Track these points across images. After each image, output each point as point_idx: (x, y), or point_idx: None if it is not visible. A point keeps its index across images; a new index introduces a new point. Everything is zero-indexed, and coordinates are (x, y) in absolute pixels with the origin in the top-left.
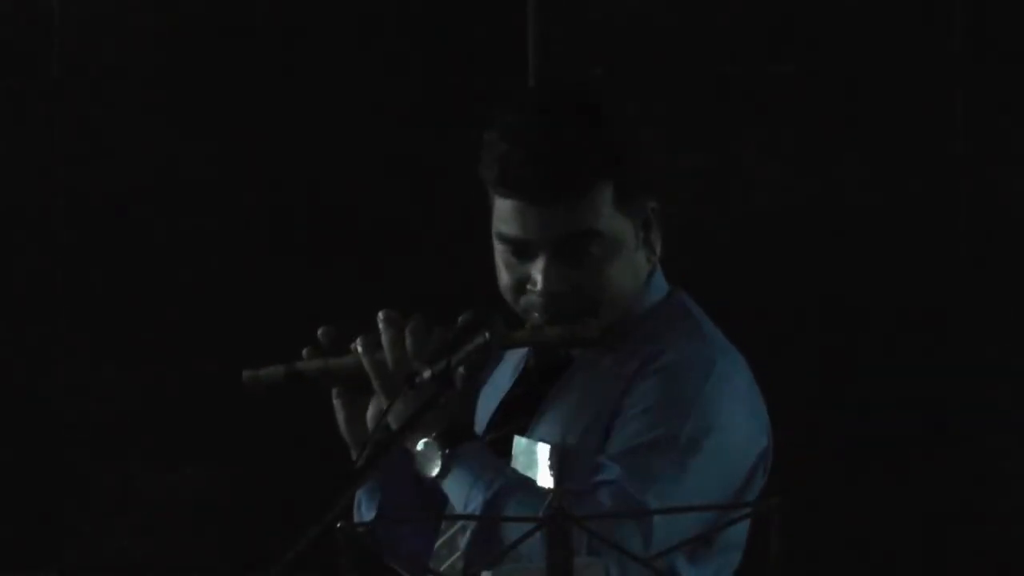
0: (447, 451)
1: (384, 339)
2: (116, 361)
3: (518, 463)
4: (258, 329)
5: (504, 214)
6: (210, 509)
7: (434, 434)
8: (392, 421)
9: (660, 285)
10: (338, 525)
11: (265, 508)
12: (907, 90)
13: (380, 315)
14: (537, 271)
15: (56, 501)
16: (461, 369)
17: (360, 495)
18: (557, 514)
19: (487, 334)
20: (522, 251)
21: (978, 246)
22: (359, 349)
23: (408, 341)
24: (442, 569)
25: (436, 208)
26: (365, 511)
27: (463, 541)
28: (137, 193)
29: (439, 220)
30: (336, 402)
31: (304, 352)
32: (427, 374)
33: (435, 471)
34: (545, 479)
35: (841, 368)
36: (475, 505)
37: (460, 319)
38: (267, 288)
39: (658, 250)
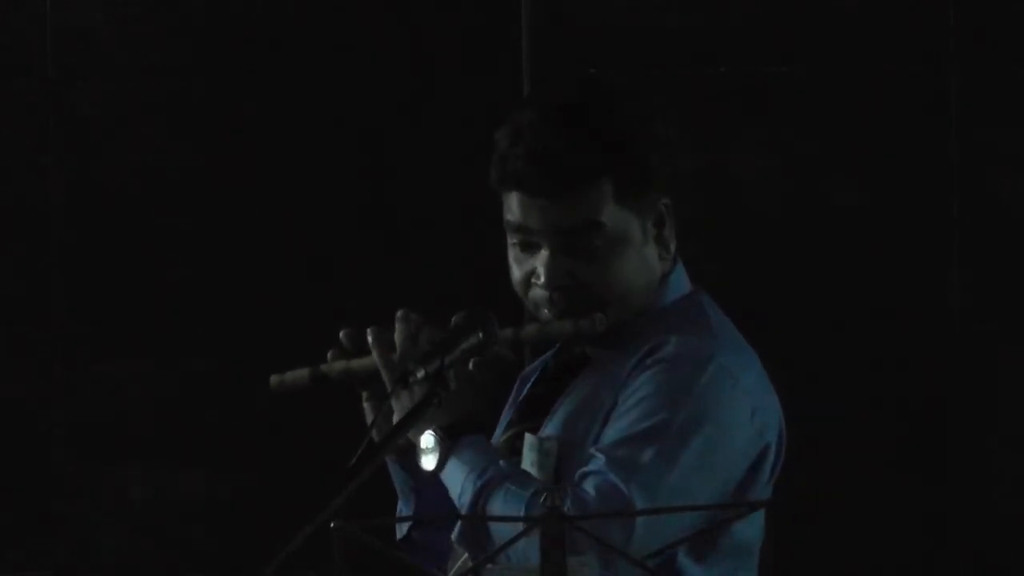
0: (446, 445)
1: (397, 336)
2: (113, 361)
3: (526, 460)
4: (256, 330)
5: (510, 205)
6: (206, 510)
7: (436, 428)
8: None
9: (680, 284)
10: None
11: (261, 509)
12: (903, 91)
13: (398, 314)
14: (541, 264)
15: (51, 502)
16: (471, 366)
17: (400, 503)
18: (550, 514)
19: (480, 334)
20: (528, 245)
21: (975, 246)
22: (370, 340)
23: (422, 338)
24: (457, 564)
25: (432, 207)
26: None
27: (454, 534)
28: (134, 193)
29: (435, 219)
30: (365, 405)
31: (328, 354)
32: (420, 374)
33: (433, 464)
34: (548, 475)
35: (840, 368)
36: (466, 496)
37: (454, 319)
38: (265, 289)
39: (672, 248)
